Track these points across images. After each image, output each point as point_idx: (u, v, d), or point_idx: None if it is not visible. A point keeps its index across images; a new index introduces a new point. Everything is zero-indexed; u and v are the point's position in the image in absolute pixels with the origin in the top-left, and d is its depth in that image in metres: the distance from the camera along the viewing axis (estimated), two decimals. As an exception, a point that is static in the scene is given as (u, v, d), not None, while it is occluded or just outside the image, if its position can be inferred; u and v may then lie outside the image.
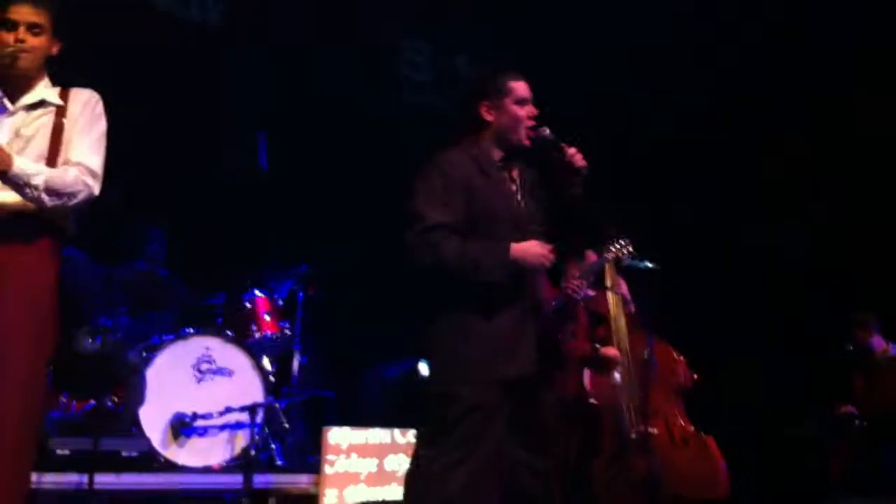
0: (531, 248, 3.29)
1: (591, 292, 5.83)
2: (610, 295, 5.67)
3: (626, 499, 5.25)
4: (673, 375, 5.73)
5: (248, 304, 5.81)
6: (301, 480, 5.13)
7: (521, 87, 3.50)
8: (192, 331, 5.35)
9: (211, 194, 6.73)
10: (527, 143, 3.47)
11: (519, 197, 3.47)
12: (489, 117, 3.49)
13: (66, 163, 3.21)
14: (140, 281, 6.11)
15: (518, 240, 3.30)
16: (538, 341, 3.34)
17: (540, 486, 3.32)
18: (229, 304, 5.86)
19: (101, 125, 3.35)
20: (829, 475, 5.99)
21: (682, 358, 5.81)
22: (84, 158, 3.23)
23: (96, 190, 3.25)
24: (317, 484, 4.93)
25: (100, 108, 3.37)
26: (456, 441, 3.16)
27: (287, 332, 5.87)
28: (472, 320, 3.27)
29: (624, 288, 5.70)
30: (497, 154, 3.49)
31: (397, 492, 5.04)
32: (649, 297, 5.69)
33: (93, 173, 3.23)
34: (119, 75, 5.95)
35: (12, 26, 3.20)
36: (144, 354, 5.22)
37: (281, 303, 5.97)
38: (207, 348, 5.28)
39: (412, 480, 3.27)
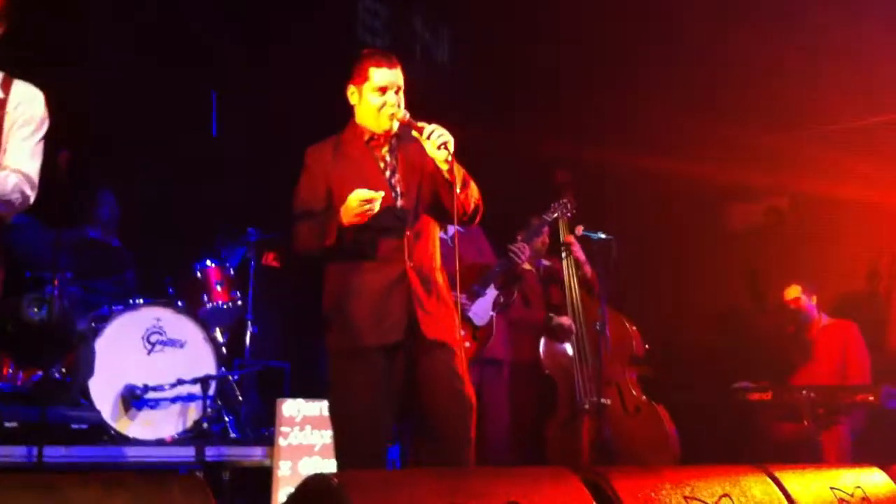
0: (347, 206, 3.33)
1: (545, 262, 5.93)
2: (564, 262, 5.72)
3: (578, 464, 5.32)
4: (626, 345, 5.80)
5: (198, 274, 5.73)
6: (255, 453, 5.10)
7: (380, 74, 3.50)
8: (142, 301, 5.28)
9: (161, 158, 6.59)
10: (389, 129, 3.51)
11: (387, 174, 3.51)
12: (353, 101, 3.57)
13: (3, 167, 3.09)
14: (89, 247, 5.98)
15: (378, 216, 3.35)
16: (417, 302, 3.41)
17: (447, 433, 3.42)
18: (180, 273, 5.77)
19: (44, 129, 3.23)
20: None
21: (634, 328, 5.88)
22: (24, 166, 3.12)
23: (32, 198, 3.16)
24: (271, 456, 4.90)
25: (43, 109, 3.24)
26: (341, 399, 3.43)
27: (239, 301, 5.81)
28: (345, 286, 3.44)
29: (577, 248, 5.75)
30: (366, 135, 3.56)
31: None
32: (603, 267, 5.75)
33: (32, 183, 3.14)
34: (70, 40, 5.84)
35: None
36: (93, 325, 5.12)
37: (232, 272, 5.90)
38: (158, 319, 5.22)
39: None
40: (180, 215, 6.37)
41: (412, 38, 8.19)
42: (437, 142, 3.32)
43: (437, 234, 3.63)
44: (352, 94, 3.56)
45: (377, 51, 3.67)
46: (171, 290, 5.75)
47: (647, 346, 5.89)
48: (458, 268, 3.40)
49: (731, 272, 7.45)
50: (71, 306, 5.42)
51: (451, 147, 3.33)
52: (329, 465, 4.96)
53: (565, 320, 5.67)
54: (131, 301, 5.27)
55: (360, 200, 3.28)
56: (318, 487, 2.03)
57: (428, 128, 3.36)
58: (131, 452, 4.89)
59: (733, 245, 7.60)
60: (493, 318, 5.03)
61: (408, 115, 3.47)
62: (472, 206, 3.51)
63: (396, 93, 3.50)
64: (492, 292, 5.05)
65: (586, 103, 7.29)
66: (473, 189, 3.52)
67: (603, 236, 5.76)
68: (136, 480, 1.87)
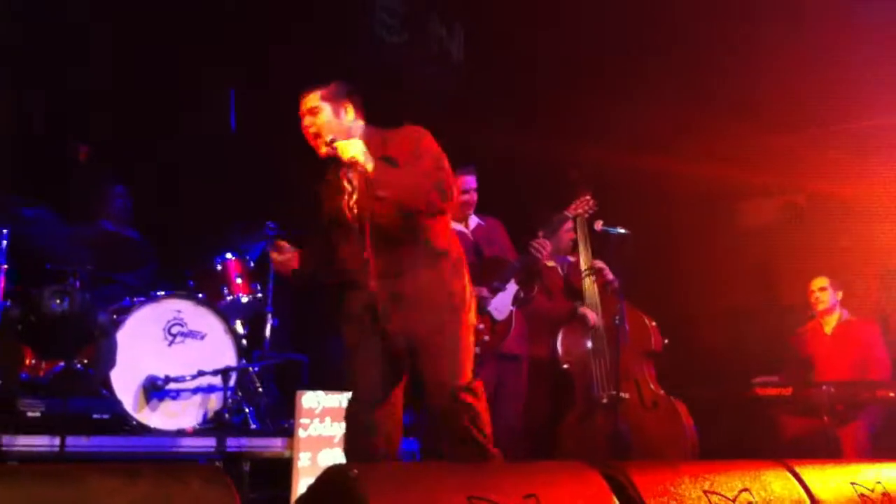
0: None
1: (570, 258, 5.93)
2: (581, 251, 5.72)
3: (595, 458, 5.31)
4: (644, 340, 5.79)
5: (219, 267, 5.75)
6: (275, 444, 5.12)
7: (301, 101, 3.69)
8: (162, 293, 5.30)
9: (181, 153, 6.63)
10: (321, 153, 3.63)
11: (345, 198, 3.64)
12: None
13: None
14: (107, 240, 6.02)
15: (342, 236, 3.67)
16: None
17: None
18: (200, 266, 5.79)
19: None
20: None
21: (653, 323, 5.87)
22: None
23: None
24: (290, 447, 4.92)
25: None
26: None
27: (259, 294, 5.83)
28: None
29: (609, 273, 5.77)
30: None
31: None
32: (621, 262, 5.74)
33: None
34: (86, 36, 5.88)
35: None
36: (115, 317, 5.15)
37: (252, 265, 5.92)
38: (178, 311, 5.24)
39: None
40: (201, 209, 6.41)
41: (428, 36, 8.19)
42: (344, 157, 3.44)
43: (414, 236, 3.66)
44: None
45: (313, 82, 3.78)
46: (191, 283, 5.78)
47: (665, 340, 5.87)
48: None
49: (743, 268, 7.44)
50: (92, 298, 5.46)
51: (360, 159, 3.40)
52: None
53: (591, 314, 5.67)
54: (152, 293, 5.30)
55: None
56: (337, 479, 2.05)
57: (338, 146, 3.47)
58: (152, 443, 4.93)
59: (748, 241, 7.58)
60: (512, 313, 5.04)
61: (326, 142, 3.57)
62: (417, 199, 3.54)
63: (310, 115, 3.65)
64: (512, 287, 5.06)
65: (600, 101, 7.27)
66: (428, 190, 3.52)
67: (621, 231, 5.74)
68: (157, 470, 1.89)
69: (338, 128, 3.63)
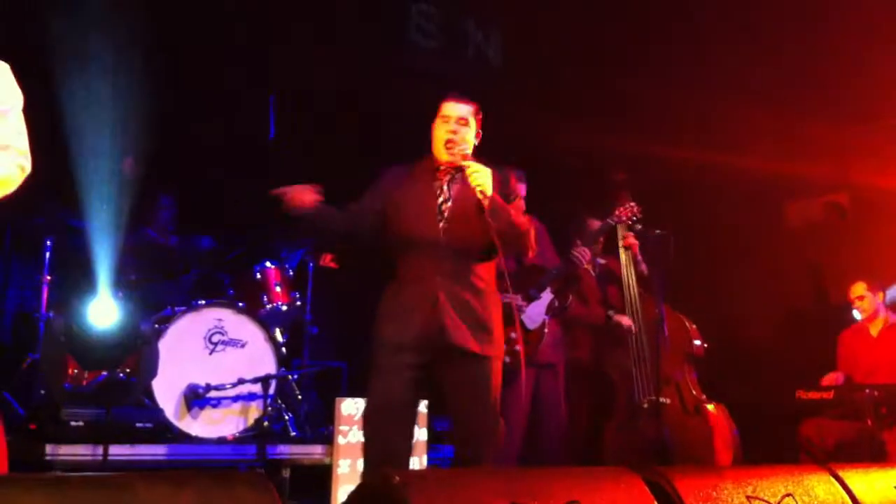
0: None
1: (601, 261, 5.89)
2: (622, 256, 5.67)
3: (637, 464, 5.28)
4: (684, 344, 5.74)
5: (258, 276, 5.80)
6: (315, 451, 5.15)
7: (447, 107, 3.83)
8: (203, 302, 5.36)
9: (220, 161, 6.69)
10: (444, 159, 3.78)
11: (440, 200, 3.76)
12: (432, 129, 3.85)
13: None
14: (150, 249, 6.09)
15: (428, 239, 3.70)
16: (456, 311, 3.66)
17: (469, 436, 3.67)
18: (240, 275, 5.84)
19: (20, 97, 3.11)
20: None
21: (693, 326, 5.82)
22: (12, 140, 3.02)
23: (28, 170, 3.06)
24: (330, 454, 4.94)
25: (10, 76, 3.11)
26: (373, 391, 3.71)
27: (298, 302, 5.87)
28: (388, 294, 3.78)
29: (637, 252, 5.71)
30: (436, 163, 3.83)
31: (411, 462, 5.07)
32: (660, 263, 5.69)
33: (26, 156, 3.04)
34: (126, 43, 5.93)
35: None
36: (157, 326, 5.21)
37: (291, 273, 5.96)
38: (219, 320, 5.29)
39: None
40: (240, 217, 6.46)
41: (464, 40, 8.20)
42: (473, 182, 3.58)
43: (485, 258, 3.80)
44: (433, 124, 3.84)
45: (458, 91, 3.93)
46: (231, 292, 5.83)
47: (705, 344, 5.83)
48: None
49: (790, 269, 7.36)
50: (135, 308, 5.53)
51: (487, 189, 3.58)
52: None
53: (625, 319, 5.63)
54: (193, 302, 5.35)
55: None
56: (380, 485, 2.06)
57: (470, 168, 3.63)
58: (194, 451, 4.98)
59: (792, 242, 7.50)
60: (545, 323, 5.00)
61: (460, 152, 3.72)
62: (524, 242, 3.81)
63: (458, 124, 3.78)
64: (547, 296, 5.03)
65: (640, 100, 7.24)
66: (525, 236, 3.78)
67: (659, 233, 5.70)
68: (203, 478, 1.91)
69: (471, 145, 3.81)
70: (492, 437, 3.66)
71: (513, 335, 4.79)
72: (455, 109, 3.80)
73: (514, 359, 4.78)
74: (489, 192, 3.59)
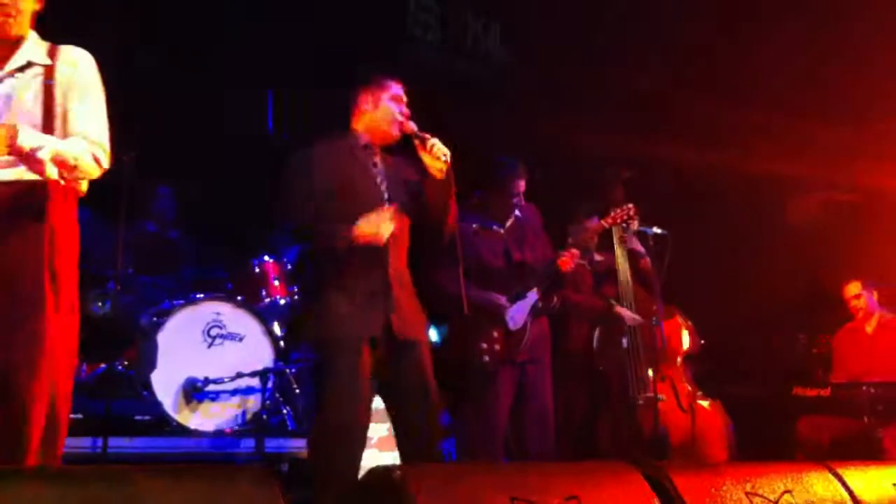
0: (366, 230, 3.57)
1: (598, 257, 5.89)
2: (618, 253, 5.66)
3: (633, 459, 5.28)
4: (680, 340, 5.75)
5: (257, 269, 5.80)
6: (313, 445, 5.14)
7: (397, 87, 3.86)
8: (202, 296, 5.36)
9: (217, 155, 6.68)
10: (396, 135, 3.81)
11: (378, 181, 3.79)
12: (365, 107, 3.84)
13: (67, 133, 3.08)
14: (148, 242, 6.10)
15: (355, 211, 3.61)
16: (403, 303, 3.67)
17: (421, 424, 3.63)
18: (239, 269, 5.85)
19: (98, 88, 3.20)
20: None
21: (689, 323, 5.83)
22: (90, 130, 3.10)
23: (106, 162, 3.12)
24: (328, 448, 4.93)
25: (94, 68, 3.21)
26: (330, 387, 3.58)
27: (296, 296, 5.86)
28: (331, 286, 3.65)
29: (637, 244, 5.70)
30: (363, 140, 3.84)
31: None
32: (658, 262, 5.70)
33: (103, 146, 3.11)
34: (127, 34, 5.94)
35: None
36: (155, 319, 5.21)
37: (290, 267, 5.96)
38: (218, 313, 5.29)
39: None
40: (238, 211, 6.45)
41: (463, 32, 8.20)
42: (438, 153, 3.61)
43: (408, 237, 3.86)
44: (365, 100, 3.84)
45: (383, 67, 4.00)
46: (229, 286, 5.83)
47: (702, 341, 5.84)
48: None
49: (788, 266, 7.37)
50: (133, 301, 5.53)
51: (449, 159, 3.61)
52: (386, 458, 5.02)
53: (626, 313, 5.60)
54: (192, 296, 5.36)
55: (377, 232, 3.55)
56: (381, 479, 2.07)
57: (430, 140, 3.65)
58: (193, 444, 4.98)
59: (791, 239, 7.52)
60: (527, 323, 4.92)
61: (415, 127, 3.76)
62: (453, 217, 3.80)
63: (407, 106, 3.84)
64: (532, 296, 4.97)
65: (639, 96, 7.24)
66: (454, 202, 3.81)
67: (658, 231, 5.70)
68: (205, 471, 1.92)
69: None
70: (439, 426, 3.70)
71: (494, 334, 4.80)
72: (402, 91, 3.86)
73: (493, 357, 4.79)
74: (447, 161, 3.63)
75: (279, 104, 6.87)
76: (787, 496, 2.48)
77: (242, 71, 6.74)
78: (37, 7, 3.19)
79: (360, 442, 3.59)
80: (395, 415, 3.73)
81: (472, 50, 8.06)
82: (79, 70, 3.17)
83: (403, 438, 3.69)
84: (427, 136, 3.67)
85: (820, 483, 2.62)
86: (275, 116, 6.86)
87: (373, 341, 3.60)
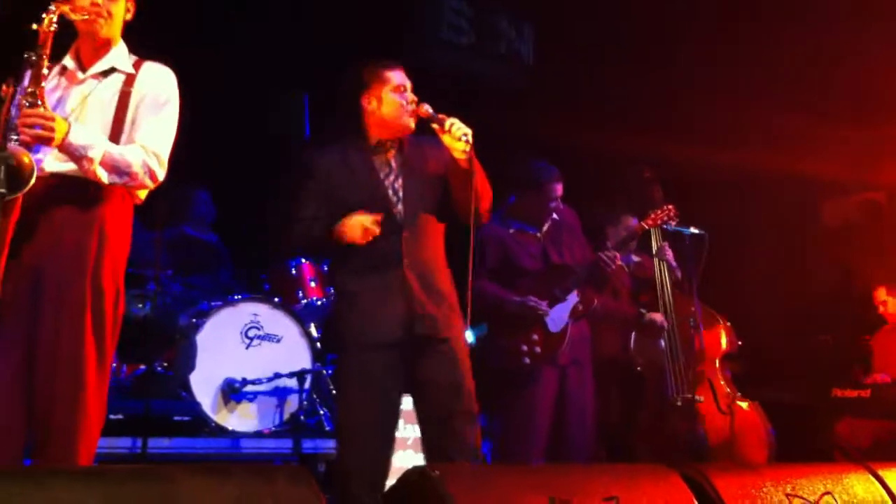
0: (350, 230, 3.48)
1: (635, 258, 5.86)
2: (656, 260, 5.64)
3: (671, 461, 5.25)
4: (719, 341, 5.72)
5: (293, 271, 5.84)
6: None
7: (397, 75, 3.65)
8: (239, 297, 5.40)
9: (255, 158, 6.73)
10: (411, 127, 3.62)
11: (390, 179, 3.62)
12: (370, 108, 3.64)
13: (132, 140, 3.11)
14: (187, 245, 6.15)
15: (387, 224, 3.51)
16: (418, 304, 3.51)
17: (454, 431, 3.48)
18: (276, 270, 5.89)
19: (173, 106, 3.23)
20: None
21: (727, 324, 5.79)
22: (150, 141, 3.11)
23: (161, 175, 3.12)
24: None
25: (174, 86, 3.25)
26: (345, 402, 3.57)
27: (332, 297, 5.89)
28: (346, 290, 3.60)
29: (670, 254, 5.66)
30: (373, 140, 3.66)
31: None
32: (695, 262, 5.66)
33: (158, 158, 3.11)
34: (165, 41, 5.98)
35: None
36: (194, 320, 5.26)
37: (325, 268, 5.99)
38: (255, 314, 5.32)
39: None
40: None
41: (497, 37, 8.20)
42: (457, 133, 3.40)
43: (441, 233, 3.70)
44: (368, 101, 3.64)
45: (380, 58, 3.77)
46: (266, 287, 5.88)
47: (740, 342, 5.80)
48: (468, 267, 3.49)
49: (826, 267, 7.31)
50: (172, 302, 5.58)
51: (470, 139, 3.40)
52: (420, 459, 5.01)
53: (657, 317, 5.58)
54: (229, 297, 5.40)
55: (364, 229, 3.46)
56: (418, 479, 2.07)
57: (448, 120, 3.45)
58: (231, 444, 5.02)
59: (828, 240, 7.45)
60: (567, 326, 4.91)
61: (430, 109, 3.55)
62: (487, 204, 3.61)
63: (410, 91, 3.65)
64: (572, 298, 4.96)
65: (674, 99, 7.20)
66: (488, 187, 3.61)
67: (695, 231, 5.66)
68: (244, 470, 1.94)
69: None
70: (473, 426, 3.51)
71: (534, 336, 4.79)
72: (404, 77, 3.67)
73: (534, 359, 4.78)
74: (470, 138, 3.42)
75: (316, 108, 6.91)
76: (827, 498, 2.46)
77: (280, 74, 6.78)
78: (128, 17, 3.25)
79: (376, 445, 3.48)
80: (421, 415, 3.59)
81: (504, 53, 8.06)
82: (158, 84, 3.22)
83: (427, 439, 3.57)
84: (444, 116, 3.48)
85: (860, 484, 2.60)
86: (312, 119, 6.89)
87: (389, 343, 3.48)
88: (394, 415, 3.57)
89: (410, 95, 3.62)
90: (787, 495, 2.39)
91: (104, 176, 3.02)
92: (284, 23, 6.98)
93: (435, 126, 3.51)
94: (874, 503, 2.60)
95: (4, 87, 3.00)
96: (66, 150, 2.95)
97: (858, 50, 6.62)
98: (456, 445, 3.45)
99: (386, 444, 3.54)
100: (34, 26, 2.97)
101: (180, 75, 3.35)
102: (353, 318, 3.54)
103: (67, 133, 2.92)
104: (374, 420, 3.48)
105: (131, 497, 1.77)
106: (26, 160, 2.83)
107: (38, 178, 2.86)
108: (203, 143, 6.29)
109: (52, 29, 2.98)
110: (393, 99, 3.61)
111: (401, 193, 3.60)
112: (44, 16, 2.97)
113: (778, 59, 6.89)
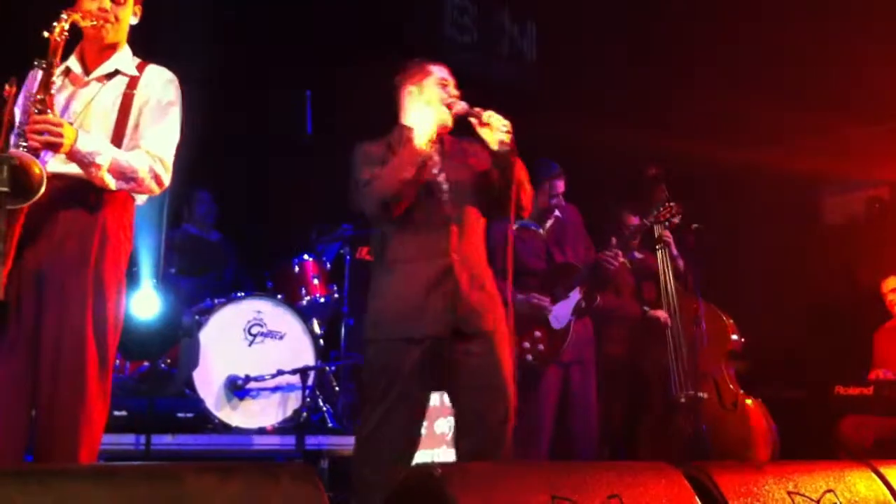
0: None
1: (637, 255, 5.86)
2: (659, 254, 5.64)
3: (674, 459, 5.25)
4: (722, 339, 5.71)
5: (296, 268, 5.85)
6: (352, 442, 5.13)
7: (440, 70, 3.71)
8: (243, 294, 5.42)
9: (257, 156, 6.73)
10: (450, 123, 3.64)
11: (435, 173, 3.60)
12: (410, 95, 3.70)
13: (135, 146, 3.12)
14: (190, 244, 6.16)
15: (431, 208, 3.53)
16: (467, 298, 3.48)
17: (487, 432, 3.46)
18: (279, 268, 5.90)
19: (176, 110, 3.24)
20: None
21: (730, 320, 5.79)
22: (155, 146, 3.12)
23: (167, 180, 3.14)
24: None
25: (176, 90, 3.26)
26: (373, 399, 3.50)
27: (335, 295, 5.91)
28: (389, 280, 3.55)
29: (673, 247, 5.67)
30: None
31: (448, 454, 5.10)
32: (694, 258, 5.67)
33: (164, 163, 3.13)
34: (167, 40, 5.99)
35: None
36: (197, 318, 5.28)
37: (329, 266, 6.01)
38: (258, 312, 5.34)
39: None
40: (278, 212, 6.50)
41: (499, 34, 8.19)
42: (497, 123, 3.42)
43: (483, 228, 3.70)
44: (410, 93, 3.69)
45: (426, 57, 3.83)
46: (270, 284, 5.89)
47: (743, 339, 5.79)
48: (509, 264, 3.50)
49: (828, 264, 7.30)
50: (176, 300, 5.60)
51: (511, 128, 3.42)
52: (423, 456, 5.03)
53: (661, 314, 5.60)
54: (233, 294, 5.41)
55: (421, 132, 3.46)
56: (421, 478, 2.07)
57: (486, 112, 3.47)
58: (234, 441, 5.05)
59: (830, 236, 7.44)
60: (570, 323, 4.93)
61: (466, 105, 3.58)
62: (527, 199, 3.62)
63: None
64: (575, 295, 4.97)
65: (677, 96, 7.19)
66: (527, 183, 3.62)
67: (696, 227, 5.66)
68: (249, 468, 1.94)
69: None
70: (506, 422, 3.49)
71: (537, 334, 4.80)
72: (448, 74, 3.71)
73: (538, 358, 4.79)
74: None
75: (318, 105, 6.92)
76: (829, 495, 2.46)
77: (282, 72, 6.78)
78: (134, 21, 3.26)
79: (398, 442, 3.48)
80: (457, 415, 3.59)
81: (507, 51, 8.05)
82: (161, 88, 3.22)
83: (460, 434, 3.56)
84: (480, 110, 3.50)
85: (863, 482, 2.59)
86: (314, 117, 6.89)
87: (429, 336, 3.45)
88: (420, 413, 3.56)
89: (452, 90, 3.66)
90: (790, 493, 2.39)
91: (112, 182, 3.03)
92: (286, 20, 6.98)
93: (473, 120, 3.53)
94: (876, 501, 2.59)
95: (7, 88, 3.01)
96: (74, 157, 2.96)
97: (862, 45, 6.60)
98: (490, 447, 3.43)
99: (410, 441, 3.54)
100: (45, 34, 2.98)
101: (181, 76, 3.35)
102: (396, 307, 3.51)
103: (75, 140, 2.93)
104: (400, 416, 3.47)
105: (135, 496, 1.77)
106: (37, 171, 2.83)
107: None
108: (203, 144, 6.32)
109: (63, 38, 2.99)
110: (434, 88, 3.64)
111: (445, 188, 3.60)
112: (55, 24, 2.98)
113: (782, 54, 6.87)
